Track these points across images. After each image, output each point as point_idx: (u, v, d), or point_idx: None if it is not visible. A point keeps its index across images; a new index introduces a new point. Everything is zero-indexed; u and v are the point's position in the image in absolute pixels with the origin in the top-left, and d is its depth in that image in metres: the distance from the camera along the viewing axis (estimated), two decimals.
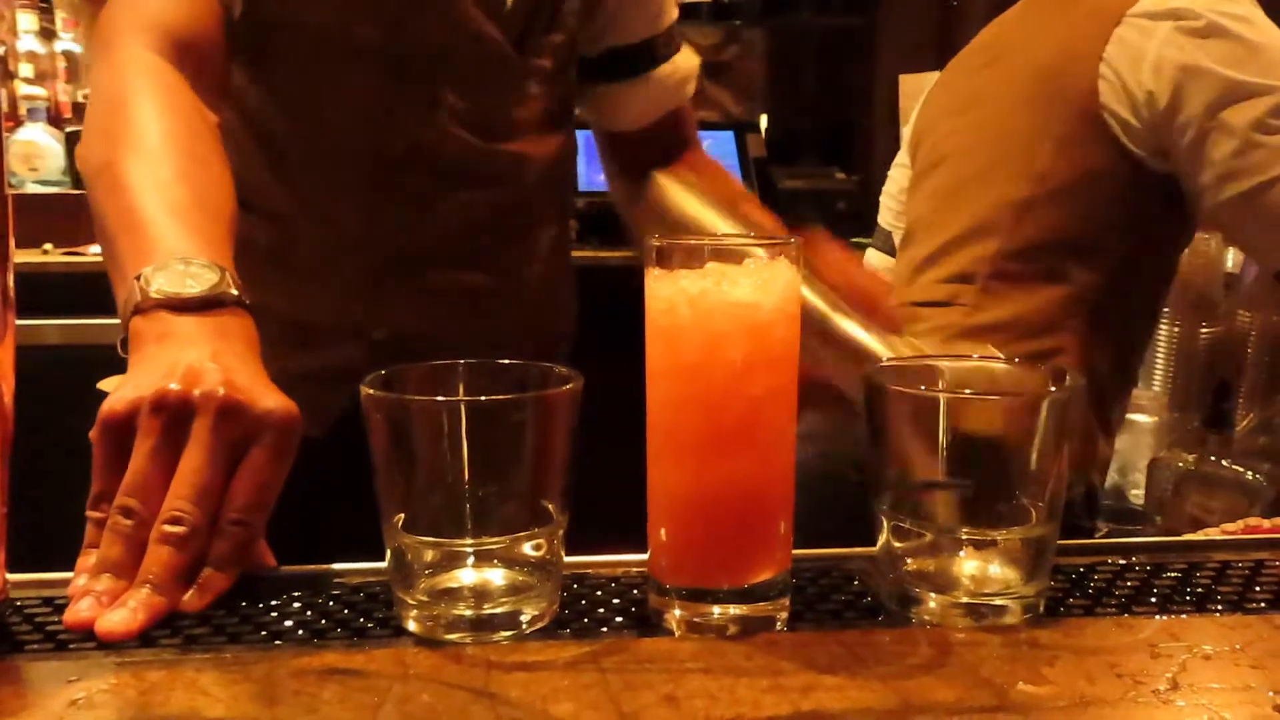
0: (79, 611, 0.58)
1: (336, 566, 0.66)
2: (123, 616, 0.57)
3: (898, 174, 1.46)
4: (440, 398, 0.58)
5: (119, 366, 0.69)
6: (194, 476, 0.61)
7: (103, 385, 0.77)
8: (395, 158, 1.01)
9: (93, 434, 0.63)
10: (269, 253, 1.01)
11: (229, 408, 0.63)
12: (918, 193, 1.34)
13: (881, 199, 1.52)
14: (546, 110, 1.07)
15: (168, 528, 0.60)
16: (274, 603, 0.61)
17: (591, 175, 2.72)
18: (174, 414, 0.62)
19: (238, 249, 0.78)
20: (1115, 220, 1.15)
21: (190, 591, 0.61)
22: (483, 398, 0.57)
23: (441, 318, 1.06)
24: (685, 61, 1.14)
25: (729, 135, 2.67)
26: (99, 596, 0.59)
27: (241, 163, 0.99)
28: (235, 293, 0.71)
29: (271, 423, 0.64)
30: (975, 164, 1.24)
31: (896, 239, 1.41)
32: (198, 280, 0.70)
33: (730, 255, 0.58)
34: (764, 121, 3.03)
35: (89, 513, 0.63)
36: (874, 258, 1.49)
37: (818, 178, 2.66)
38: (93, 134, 0.83)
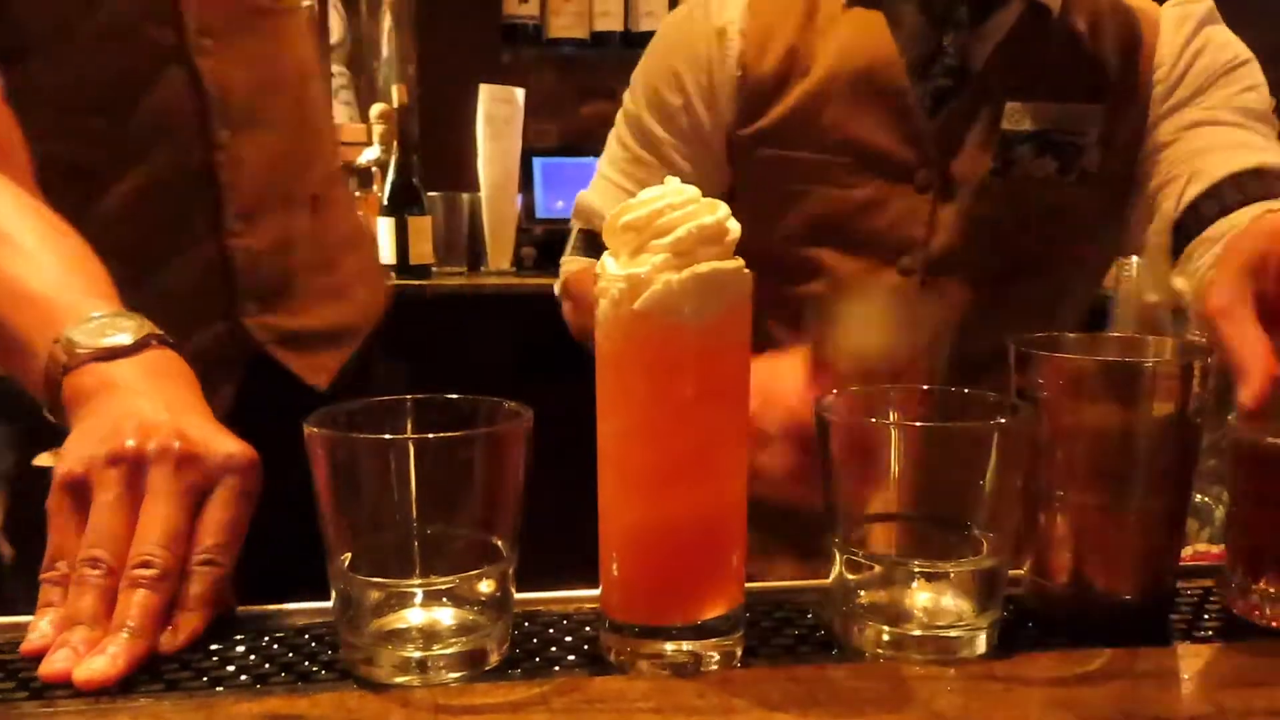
0: (54, 663, 0.56)
1: (282, 607, 0.65)
2: (102, 664, 0.55)
3: None
4: (387, 435, 0.57)
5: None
6: (160, 523, 0.60)
7: (39, 461, 0.75)
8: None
9: (50, 501, 0.62)
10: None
11: (185, 458, 0.62)
12: None
13: None
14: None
15: (139, 571, 0.59)
16: (214, 647, 0.60)
17: (549, 203, 2.72)
18: (132, 465, 0.61)
19: None
20: None
21: (165, 634, 0.59)
22: (430, 434, 0.57)
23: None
24: None
25: None
26: (75, 646, 0.56)
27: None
28: (159, 332, 0.70)
29: (232, 467, 0.63)
30: None
31: None
32: (119, 329, 0.69)
33: None
34: None
35: (43, 575, 0.61)
36: None
37: None
38: None
